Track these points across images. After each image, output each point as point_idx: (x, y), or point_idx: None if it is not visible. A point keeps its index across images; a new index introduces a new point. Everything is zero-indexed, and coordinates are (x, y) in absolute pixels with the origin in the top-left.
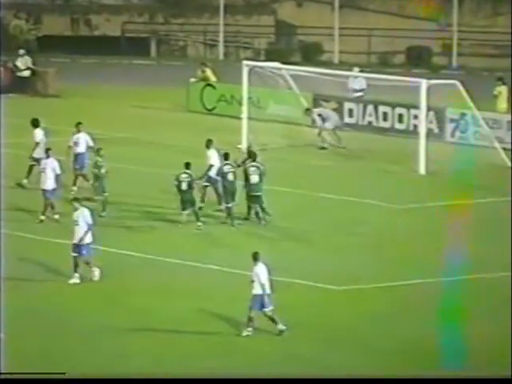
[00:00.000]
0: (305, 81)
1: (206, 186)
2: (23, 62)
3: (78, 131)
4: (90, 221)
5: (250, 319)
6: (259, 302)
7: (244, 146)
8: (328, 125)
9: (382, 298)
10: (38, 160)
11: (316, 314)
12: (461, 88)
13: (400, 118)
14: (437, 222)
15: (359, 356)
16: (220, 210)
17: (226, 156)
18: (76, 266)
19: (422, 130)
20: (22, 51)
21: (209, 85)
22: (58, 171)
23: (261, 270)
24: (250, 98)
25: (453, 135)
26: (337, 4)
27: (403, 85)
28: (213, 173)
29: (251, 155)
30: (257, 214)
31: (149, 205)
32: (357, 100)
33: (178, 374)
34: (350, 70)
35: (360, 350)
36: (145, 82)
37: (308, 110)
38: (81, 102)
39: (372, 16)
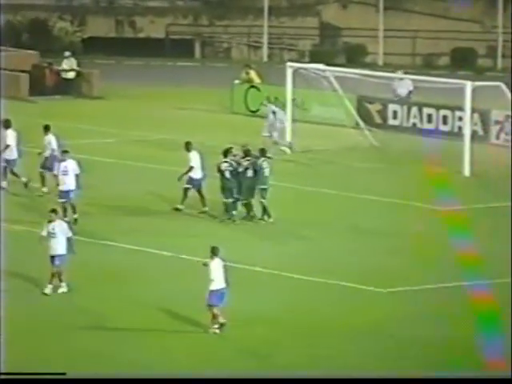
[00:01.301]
0: (349, 82)
1: (188, 188)
2: (68, 64)
3: (47, 133)
4: (69, 233)
5: (214, 316)
6: (218, 297)
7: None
8: (279, 125)
9: (425, 300)
10: (8, 161)
11: (360, 315)
12: (506, 90)
13: (444, 119)
14: (481, 224)
15: (399, 357)
16: (204, 212)
17: (246, 153)
18: (53, 276)
19: (467, 132)
20: (67, 53)
21: (253, 86)
22: (78, 171)
23: (218, 265)
24: (294, 100)
25: (498, 137)
26: (381, 6)
27: (448, 87)
28: (196, 175)
29: (263, 152)
30: (264, 209)
31: (195, 207)
32: (401, 102)
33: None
34: (395, 72)
35: (398, 351)
36: (189, 83)
37: (265, 104)
38: (125, 104)
39: (417, 18)
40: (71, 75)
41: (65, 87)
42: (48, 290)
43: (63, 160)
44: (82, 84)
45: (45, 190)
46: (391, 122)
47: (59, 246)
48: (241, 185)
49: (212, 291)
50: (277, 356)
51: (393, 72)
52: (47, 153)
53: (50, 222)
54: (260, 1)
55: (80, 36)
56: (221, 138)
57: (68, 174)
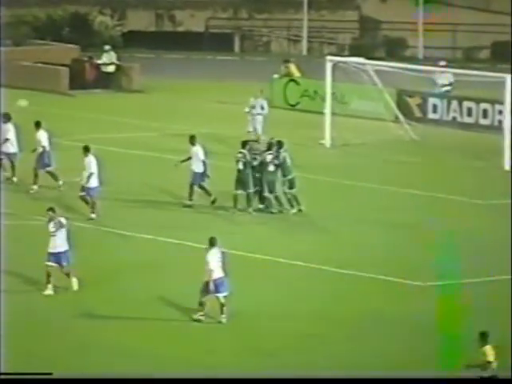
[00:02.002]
0: (389, 76)
1: (193, 183)
2: (108, 58)
3: (38, 130)
4: (64, 230)
5: (201, 304)
6: (218, 286)
7: (327, 141)
8: (261, 119)
9: (464, 294)
10: (8, 155)
11: (401, 309)
12: None
13: (484, 113)
14: None
15: (446, 352)
16: (214, 202)
17: (269, 146)
18: (49, 276)
19: (507, 126)
20: (107, 47)
21: (292, 80)
22: (94, 169)
23: (216, 255)
24: (333, 94)
25: None
26: None
27: (488, 80)
28: (198, 169)
29: (281, 144)
30: (289, 200)
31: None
32: (441, 95)
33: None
34: (435, 65)
35: (445, 346)
36: (228, 77)
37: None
38: (164, 98)
39: (457, 11)
40: (111, 69)
41: (105, 81)
42: (49, 290)
43: (86, 156)
44: (121, 78)
45: (35, 187)
46: (431, 115)
47: (60, 243)
48: (257, 178)
49: (212, 281)
50: (317, 350)
51: (434, 63)
52: (39, 150)
53: (49, 220)
54: None
55: (120, 30)
56: (264, 132)
57: (91, 171)
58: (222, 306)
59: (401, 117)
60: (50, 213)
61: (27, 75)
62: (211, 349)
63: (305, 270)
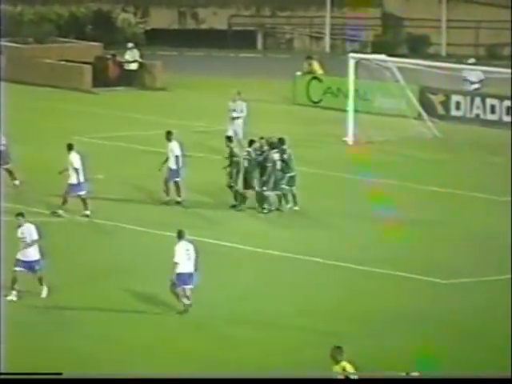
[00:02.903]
0: (412, 73)
1: (167, 178)
2: (131, 56)
3: None
4: (35, 236)
5: (177, 295)
6: (184, 279)
7: (350, 138)
8: (239, 121)
9: (486, 290)
10: None
11: (421, 306)
12: None
13: (508, 110)
14: None
15: (467, 350)
16: (178, 203)
17: (270, 143)
18: (15, 282)
19: None
20: (130, 44)
21: (315, 77)
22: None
23: (183, 249)
24: (356, 91)
25: None
26: None
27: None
28: (174, 165)
29: (283, 141)
30: (294, 196)
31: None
32: (464, 93)
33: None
34: (460, 63)
35: (468, 344)
36: (251, 74)
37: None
38: (187, 95)
39: (480, 8)
40: (134, 67)
41: (127, 78)
42: (13, 296)
43: (69, 153)
44: (144, 75)
45: (16, 182)
46: (454, 112)
47: (32, 251)
48: (263, 175)
49: (178, 274)
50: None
51: (461, 62)
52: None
53: (18, 226)
54: None
55: (143, 27)
56: (282, 129)
57: (71, 168)
58: (187, 298)
59: (424, 114)
60: (20, 218)
61: (50, 73)
62: (233, 344)
63: (323, 267)
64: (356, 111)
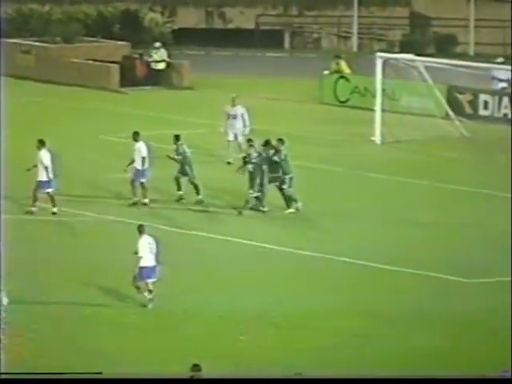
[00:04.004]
0: (439, 72)
1: (133, 179)
2: (158, 55)
3: None
4: None
5: (138, 288)
6: (147, 273)
7: (377, 138)
8: (242, 127)
9: (507, 290)
10: None
11: (448, 306)
12: None
13: None
14: None
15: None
16: (145, 204)
17: (268, 144)
18: None
19: None
20: (157, 44)
21: (342, 77)
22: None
23: (146, 243)
24: (383, 90)
25: None
26: None
27: None
28: (141, 166)
29: (282, 141)
30: (290, 197)
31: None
32: (492, 92)
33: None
34: (487, 62)
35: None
36: (278, 74)
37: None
38: (214, 94)
39: (508, 7)
40: (161, 66)
41: (155, 78)
42: None
43: (39, 150)
44: (172, 75)
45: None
46: (482, 112)
47: None
48: (262, 177)
49: (141, 268)
50: (368, 348)
51: (489, 61)
52: None
53: None
54: None
55: (170, 27)
56: (309, 128)
57: (41, 165)
58: (150, 291)
59: (451, 113)
60: None
61: (78, 72)
62: (260, 345)
63: (351, 266)
64: (383, 110)
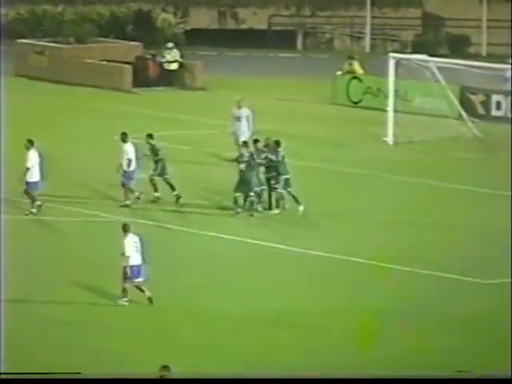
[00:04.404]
0: (452, 73)
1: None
2: (171, 56)
3: None
4: None
5: (124, 290)
6: (135, 272)
7: (390, 138)
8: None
9: None
10: None
11: (460, 306)
12: None
13: None
14: None
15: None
16: (126, 206)
17: (266, 145)
18: None
19: None
20: (170, 44)
21: (355, 77)
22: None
23: (131, 241)
24: (396, 91)
25: None
26: None
27: None
28: (129, 167)
29: (278, 143)
30: (293, 198)
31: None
32: (504, 93)
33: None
34: (500, 62)
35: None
36: (290, 74)
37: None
38: (227, 95)
39: None
40: (174, 66)
41: (168, 78)
42: None
43: (28, 150)
44: (184, 75)
45: None
46: (494, 112)
47: None
48: (258, 178)
49: (131, 267)
50: (382, 348)
51: (501, 61)
52: None
53: None
54: None
55: (183, 27)
56: (322, 129)
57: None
58: (141, 291)
59: (464, 114)
60: None
61: (91, 73)
62: (272, 346)
63: (364, 267)
64: (396, 111)
